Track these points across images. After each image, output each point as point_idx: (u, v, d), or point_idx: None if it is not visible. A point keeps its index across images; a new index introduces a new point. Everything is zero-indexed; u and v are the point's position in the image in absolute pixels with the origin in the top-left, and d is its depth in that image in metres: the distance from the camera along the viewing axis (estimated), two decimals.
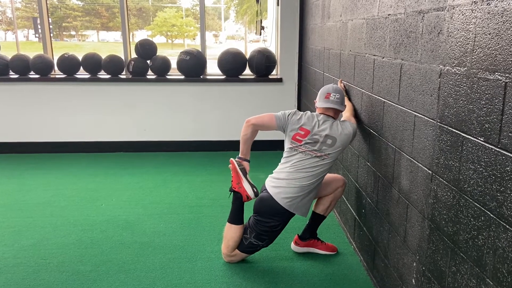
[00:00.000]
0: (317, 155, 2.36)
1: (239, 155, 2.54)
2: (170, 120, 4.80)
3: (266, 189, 2.43)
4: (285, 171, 2.40)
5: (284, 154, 2.46)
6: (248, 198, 2.44)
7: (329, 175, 2.63)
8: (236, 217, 2.49)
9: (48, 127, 4.75)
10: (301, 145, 2.38)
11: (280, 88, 4.77)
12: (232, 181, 2.48)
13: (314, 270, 2.47)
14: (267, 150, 4.66)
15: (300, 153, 2.38)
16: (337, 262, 2.57)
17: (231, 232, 2.48)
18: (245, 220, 2.52)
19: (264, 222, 2.40)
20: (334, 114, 2.45)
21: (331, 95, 2.43)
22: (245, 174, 2.47)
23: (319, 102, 2.46)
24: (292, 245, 2.68)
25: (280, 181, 2.38)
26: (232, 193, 2.50)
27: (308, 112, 2.47)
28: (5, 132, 4.75)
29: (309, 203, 2.44)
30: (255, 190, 2.44)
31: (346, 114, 2.58)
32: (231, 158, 2.53)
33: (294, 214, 2.40)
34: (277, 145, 4.49)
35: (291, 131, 2.41)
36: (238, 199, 2.46)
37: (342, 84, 2.85)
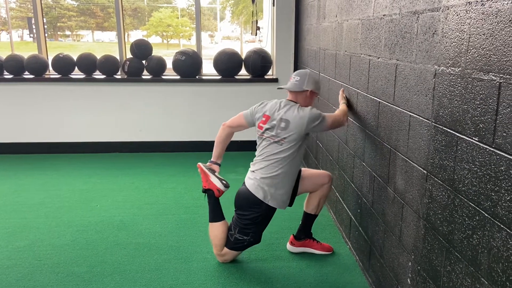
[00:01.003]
0: (275, 140, 2.36)
1: (211, 159, 2.59)
2: (165, 120, 4.79)
3: (244, 183, 2.46)
4: (255, 162, 2.45)
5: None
6: (219, 191, 2.46)
7: (313, 171, 2.65)
8: (214, 214, 2.51)
9: (43, 127, 4.73)
10: (263, 132, 2.41)
11: (275, 88, 4.77)
12: (202, 182, 2.52)
13: (309, 270, 2.47)
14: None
15: (263, 141, 2.42)
16: (333, 262, 2.57)
17: (214, 231, 2.50)
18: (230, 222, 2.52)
19: (244, 215, 2.41)
20: (295, 98, 2.45)
21: (292, 77, 2.46)
22: (212, 172, 2.50)
23: None
24: (288, 245, 2.68)
25: (253, 173, 2.43)
26: (206, 194, 2.52)
27: (275, 100, 2.48)
28: None
29: (286, 196, 2.42)
30: (224, 182, 2.47)
31: (337, 113, 2.55)
32: (198, 163, 2.56)
33: (274, 208, 2.41)
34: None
35: (257, 120, 2.45)
36: (211, 196, 2.49)
37: (344, 94, 2.74)
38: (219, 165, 2.59)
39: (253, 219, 2.40)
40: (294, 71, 4.70)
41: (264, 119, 2.41)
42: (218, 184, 2.46)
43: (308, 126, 2.34)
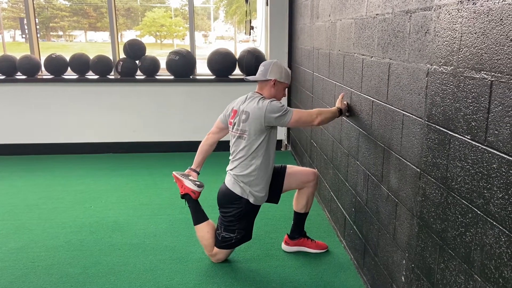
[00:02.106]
0: (239, 134, 2.37)
1: (190, 166, 2.62)
2: (159, 120, 4.77)
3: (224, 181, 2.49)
4: (230, 161, 2.46)
5: None
6: (195, 193, 2.48)
7: (299, 168, 2.66)
8: (197, 217, 2.53)
9: (36, 128, 4.70)
10: (232, 128, 2.42)
11: None
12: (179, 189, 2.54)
13: (304, 269, 2.48)
14: None
15: (232, 138, 2.43)
16: (328, 261, 2.58)
17: (200, 232, 2.52)
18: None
19: (226, 212, 2.42)
20: (260, 89, 2.44)
21: (259, 68, 2.45)
22: (186, 176, 2.52)
23: None
24: (283, 245, 2.68)
25: (229, 171, 2.45)
26: (185, 200, 2.54)
27: (248, 94, 2.46)
28: None
29: (263, 191, 2.41)
30: (198, 183, 2.48)
31: (313, 109, 2.47)
32: (173, 172, 2.57)
33: (256, 205, 2.42)
34: None
35: (228, 117, 2.46)
36: (190, 199, 2.51)
37: (344, 102, 2.54)
38: (198, 173, 2.60)
39: (235, 215, 2.40)
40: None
41: (232, 114, 2.42)
42: (191, 186, 2.47)
43: (267, 118, 2.28)
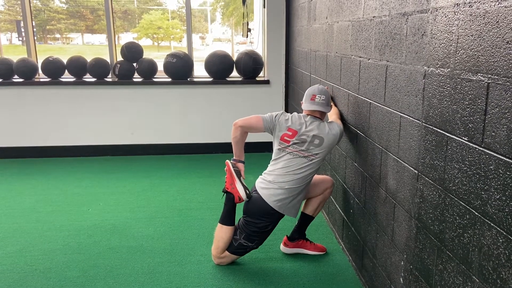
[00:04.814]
0: (304, 155, 2.38)
1: (234, 157, 2.56)
2: (157, 123, 4.77)
3: (256, 190, 2.44)
4: (274, 174, 2.42)
5: (273, 156, 2.48)
6: (240, 199, 2.43)
7: (317, 176, 2.65)
8: (227, 218, 2.48)
9: (33, 131, 4.69)
10: (289, 146, 2.41)
11: (267, 90, 4.79)
12: (226, 182, 2.49)
13: (303, 271, 2.48)
14: (256, 152, 4.66)
15: (287, 154, 2.41)
16: (326, 262, 2.58)
17: (221, 233, 2.48)
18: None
19: (254, 223, 2.41)
20: (320, 115, 2.49)
21: (317, 97, 2.47)
22: (239, 175, 2.48)
23: (305, 104, 2.50)
24: (281, 247, 2.69)
25: (270, 183, 2.40)
26: (225, 194, 2.50)
27: (296, 113, 2.50)
28: None
29: (298, 204, 2.46)
30: (248, 192, 2.44)
31: (333, 117, 2.60)
32: (227, 160, 2.53)
33: (284, 215, 2.42)
34: (266, 147, 4.48)
35: (279, 132, 2.43)
36: (231, 200, 2.46)
37: None
38: (244, 162, 2.58)
39: (262, 228, 2.41)
40: (286, 73, 4.72)
41: (290, 133, 2.41)
42: (241, 192, 2.42)
43: (339, 142, 2.49)
